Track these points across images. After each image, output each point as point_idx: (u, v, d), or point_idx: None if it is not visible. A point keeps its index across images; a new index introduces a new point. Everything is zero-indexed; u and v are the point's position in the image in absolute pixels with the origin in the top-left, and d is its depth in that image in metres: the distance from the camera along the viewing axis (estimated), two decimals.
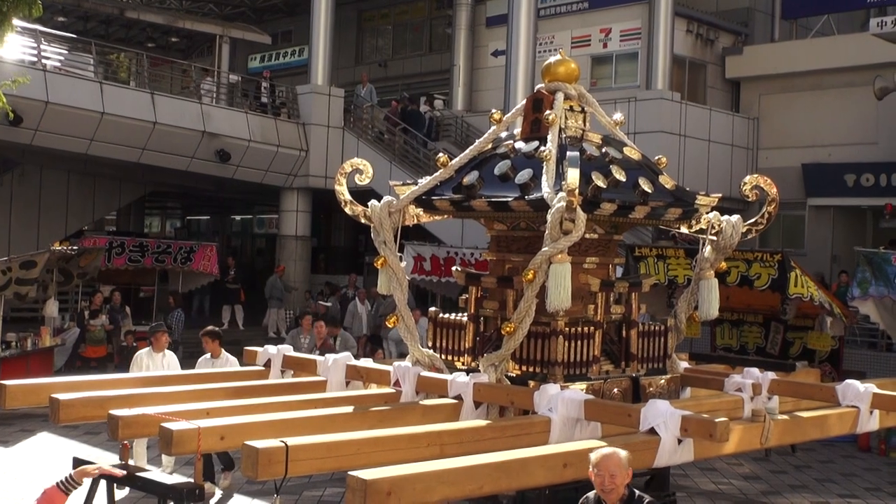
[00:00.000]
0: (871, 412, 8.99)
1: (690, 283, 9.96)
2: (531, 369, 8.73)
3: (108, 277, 26.44)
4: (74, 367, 22.66)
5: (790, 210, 27.77)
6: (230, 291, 31.39)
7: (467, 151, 9.43)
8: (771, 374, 9.56)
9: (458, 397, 8.39)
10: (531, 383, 8.45)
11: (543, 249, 8.06)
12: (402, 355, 11.27)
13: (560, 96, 9.25)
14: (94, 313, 24.07)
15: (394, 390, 8.93)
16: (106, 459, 8.22)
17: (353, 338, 18.91)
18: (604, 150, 8.99)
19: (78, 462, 7.34)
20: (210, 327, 14.76)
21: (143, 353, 14.24)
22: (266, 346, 10.49)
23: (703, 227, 9.51)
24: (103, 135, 27.36)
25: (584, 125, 9.41)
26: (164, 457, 13.48)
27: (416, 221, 9.87)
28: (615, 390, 8.87)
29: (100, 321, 23.90)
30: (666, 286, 17.01)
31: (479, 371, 8.61)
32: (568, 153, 8.51)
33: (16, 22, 18.58)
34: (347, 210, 9.61)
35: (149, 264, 26.92)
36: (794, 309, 16.94)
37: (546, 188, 8.24)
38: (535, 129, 9.26)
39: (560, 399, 7.69)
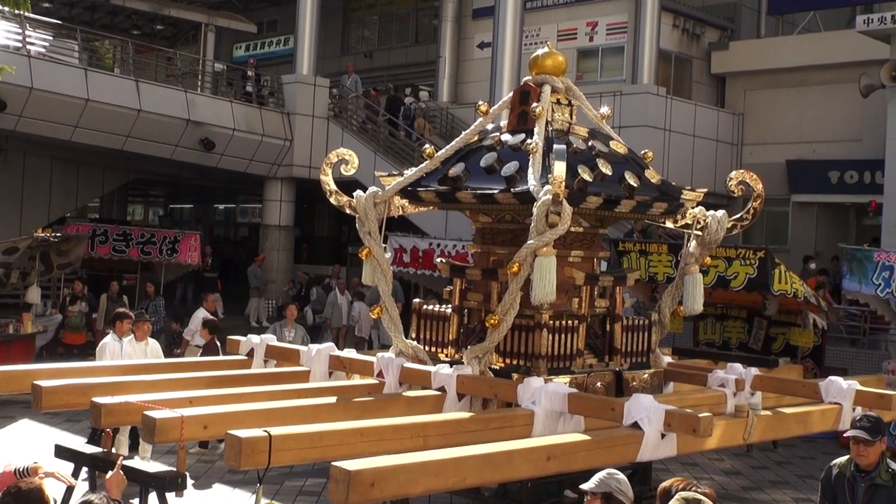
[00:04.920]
0: (854, 409, 9.02)
1: (670, 280, 9.97)
2: (515, 362, 8.73)
3: (90, 265, 26.32)
4: (57, 353, 22.57)
5: (774, 206, 27.79)
6: (207, 280, 31.25)
7: (453, 143, 9.40)
8: (754, 370, 9.58)
9: (442, 389, 8.38)
10: (515, 376, 8.44)
11: (529, 242, 8.05)
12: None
13: (547, 89, 9.24)
14: (73, 299, 23.98)
15: (377, 381, 8.92)
16: (87, 447, 8.16)
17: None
18: (590, 143, 8.98)
19: (60, 450, 7.31)
20: None
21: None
22: (249, 336, 10.47)
23: (689, 221, 9.51)
24: (87, 121, 27.21)
25: (571, 118, 9.40)
26: (142, 444, 13.40)
27: (401, 212, 9.85)
28: (598, 384, 8.87)
29: (78, 307, 23.81)
30: (647, 281, 17.03)
31: (462, 363, 8.60)
32: (554, 146, 8.52)
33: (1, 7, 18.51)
34: (333, 200, 9.58)
35: (134, 255, 26.75)
36: (775, 304, 16.97)
37: (532, 181, 8.23)
38: (522, 121, 9.25)
39: (543, 392, 7.69)
